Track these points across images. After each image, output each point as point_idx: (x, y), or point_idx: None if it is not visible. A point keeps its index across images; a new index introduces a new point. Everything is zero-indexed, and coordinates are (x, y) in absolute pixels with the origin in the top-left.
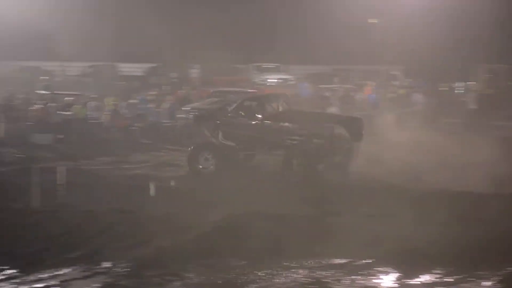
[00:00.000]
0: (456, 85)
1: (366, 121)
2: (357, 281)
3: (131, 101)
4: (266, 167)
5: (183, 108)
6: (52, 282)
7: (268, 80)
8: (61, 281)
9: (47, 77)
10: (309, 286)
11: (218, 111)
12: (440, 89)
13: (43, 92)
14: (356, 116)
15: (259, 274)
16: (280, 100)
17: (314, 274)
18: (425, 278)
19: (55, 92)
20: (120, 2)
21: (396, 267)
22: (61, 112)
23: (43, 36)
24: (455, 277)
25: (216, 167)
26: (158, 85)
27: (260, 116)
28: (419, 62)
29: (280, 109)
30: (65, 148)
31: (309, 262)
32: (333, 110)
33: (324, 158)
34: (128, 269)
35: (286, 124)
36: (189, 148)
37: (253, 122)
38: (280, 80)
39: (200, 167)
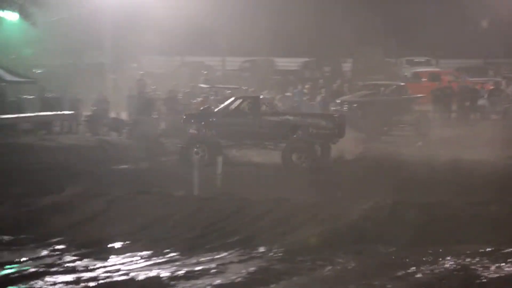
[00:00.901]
0: None
1: None
2: (504, 269)
3: (287, 94)
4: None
5: (336, 101)
6: (211, 265)
7: None
8: (219, 264)
9: (206, 72)
10: (457, 273)
11: (205, 111)
12: None
13: (204, 85)
14: (341, 114)
15: (407, 260)
16: (267, 102)
17: (462, 261)
18: None
19: (215, 85)
20: None
21: None
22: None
23: (206, 31)
24: None
25: (207, 161)
26: (313, 79)
27: (257, 112)
28: None
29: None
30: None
31: (456, 249)
32: (481, 102)
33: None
34: (282, 254)
35: (287, 117)
36: (183, 142)
37: (253, 118)
38: None
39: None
